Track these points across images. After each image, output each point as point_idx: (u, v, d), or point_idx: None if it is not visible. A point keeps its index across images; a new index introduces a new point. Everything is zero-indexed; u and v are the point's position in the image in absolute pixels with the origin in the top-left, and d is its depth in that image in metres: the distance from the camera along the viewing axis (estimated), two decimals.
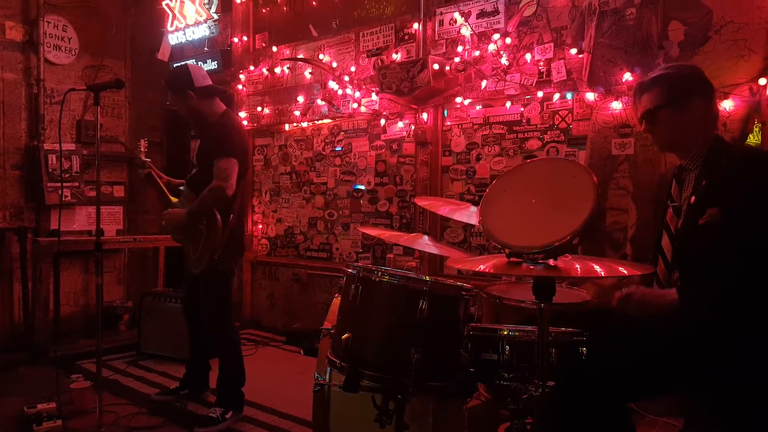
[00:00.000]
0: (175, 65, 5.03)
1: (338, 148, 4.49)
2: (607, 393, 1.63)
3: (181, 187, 3.11)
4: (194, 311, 3.12)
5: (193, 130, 3.18)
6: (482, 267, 1.48)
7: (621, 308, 1.71)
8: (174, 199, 3.08)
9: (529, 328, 1.77)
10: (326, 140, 4.58)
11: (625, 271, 1.46)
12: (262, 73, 4.86)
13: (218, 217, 2.80)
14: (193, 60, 5.06)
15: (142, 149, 3.16)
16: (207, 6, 5.07)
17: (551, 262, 1.40)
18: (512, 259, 1.45)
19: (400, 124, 4.06)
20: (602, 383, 1.64)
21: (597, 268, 1.44)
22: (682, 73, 1.81)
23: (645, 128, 1.84)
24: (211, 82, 3.01)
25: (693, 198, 1.75)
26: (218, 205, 2.81)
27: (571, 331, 1.75)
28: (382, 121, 4.16)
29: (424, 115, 3.86)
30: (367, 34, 4.20)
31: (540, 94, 3.36)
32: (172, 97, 2.99)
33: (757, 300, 1.60)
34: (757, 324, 1.61)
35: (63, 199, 4.65)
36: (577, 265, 1.41)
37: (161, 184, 3.10)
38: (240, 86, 4.98)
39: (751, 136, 2.73)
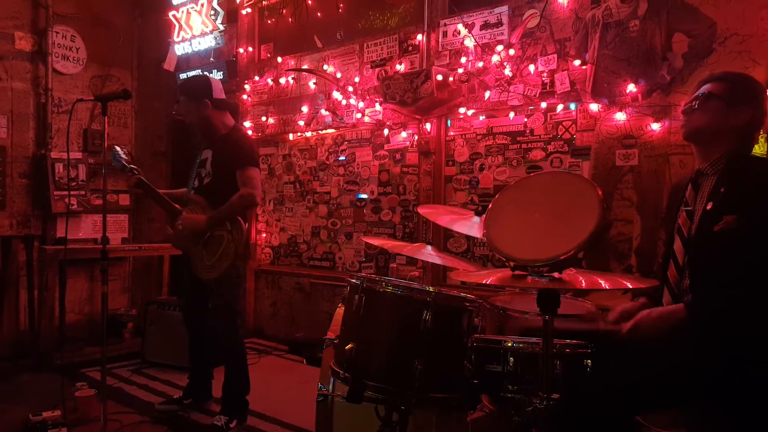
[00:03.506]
0: (193, 74, 5.07)
1: (342, 158, 4.51)
2: (612, 406, 1.63)
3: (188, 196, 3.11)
4: (197, 319, 3.12)
5: (201, 140, 3.16)
6: (488, 280, 1.48)
7: (631, 336, 1.71)
8: (177, 207, 3.06)
9: (534, 339, 1.76)
10: (330, 150, 4.60)
11: (630, 285, 1.46)
12: (267, 83, 4.90)
13: (243, 223, 2.86)
14: (200, 70, 5.10)
15: (122, 154, 2.99)
16: (213, 17, 5.12)
17: (556, 275, 1.40)
18: (517, 272, 1.45)
19: (404, 134, 4.08)
20: (608, 396, 1.64)
21: (601, 281, 1.44)
22: (750, 84, 1.83)
23: (684, 109, 1.84)
24: (225, 97, 3.07)
25: (710, 204, 1.75)
26: (246, 211, 2.91)
27: (576, 342, 1.75)
28: (386, 131, 4.17)
29: (428, 126, 3.87)
30: (371, 45, 4.24)
31: (543, 105, 3.37)
32: (186, 104, 3.00)
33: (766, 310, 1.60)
34: (765, 335, 1.60)
35: (69, 207, 4.68)
36: (582, 279, 1.42)
37: (157, 190, 3.06)
38: (245, 96, 5.01)
39: (756, 147, 2.73)
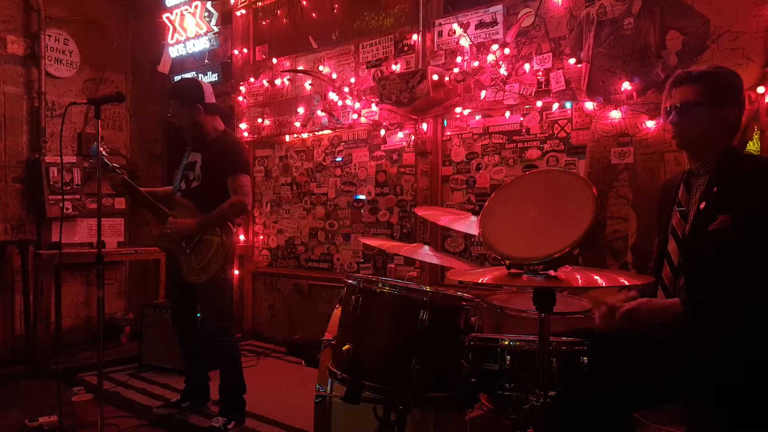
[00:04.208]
0: (183, 77, 5.06)
1: (339, 159, 4.50)
2: (610, 402, 1.63)
3: (177, 197, 3.09)
4: (187, 321, 3.13)
5: (190, 143, 3.15)
6: (483, 279, 1.48)
7: (626, 324, 1.71)
8: (165, 209, 3.03)
9: (530, 337, 1.76)
10: (326, 151, 4.59)
11: (626, 282, 1.46)
12: (263, 84, 4.89)
13: (233, 229, 2.92)
14: (194, 72, 5.09)
15: (103, 153, 2.83)
16: (207, 19, 5.11)
17: (552, 273, 1.40)
18: (513, 270, 1.45)
19: (400, 135, 4.08)
20: (605, 393, 1.64)
21: (598, 278, 1.44)
22: (729, 79, 1.80)
23: (671, 119, 1.81)
24: (215, 101, 3.08)
25: (703, 204, 1.74)
26: (236, 218, 2.98)
27: (573, 340, 1.75)
28: (382, 132, 4.17)
29: (424, 126, 3.87)
30: (366, 45, 4.23)
31: (539, 103, 3.38)
32: (177, 108, 3.00)
33: (765, 309, 1.60)
34: (762, 333, 1.60)
35: (64, 211, 4.66)
36: (578, 276, 1.42)
37: (141, 191, 3.05)
38: (240, 98, 5.01)
39: (750, 143, 2.74)
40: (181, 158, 3.16)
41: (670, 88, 1.84)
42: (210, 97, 3.03)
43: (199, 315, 3.13)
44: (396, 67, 4.00)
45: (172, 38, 5.35)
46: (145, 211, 3.80)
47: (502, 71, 3.47)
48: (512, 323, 2.36)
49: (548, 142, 3.42)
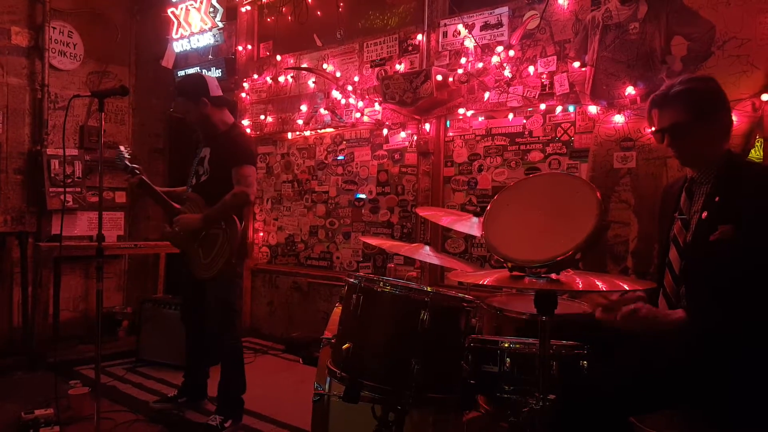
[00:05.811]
0: (187, 72, 5.06)
1: (340, 157, 4.50)
2: (607, 407, 1.63)
3: (185, 194, 3.10)
4: (195, 317, 3.11)
5: (201, 138, 3.14)
6: (485, 281, 1.48)
7: (625, 324, 1.71)
8: (177, 206, 3.06)
9: (530, 340, 1.76)
10: (328, 149, 4.59)
11: (626, 287, 1.46)
12: (266, 81, 4.88)
13: (237, 221, 2.87)
14: (198, 68, 5.08)
15: (126, 155, 3.04)
16: (212, 14, 5.10)
17: (553, 276, 1.40)
18: (515, 272, 1.45)
19: (403, 134, 4.08)
20: (603, 397, 1.64)
21: (598, 283, 1.43)
22: (708, 88, 1.77)
23: (667, 143, 1.79)
24: (221, 93, 3.06)
25: (705, 213, 1.74)
26: (240, 210, 2.91)
27: (573, 344, 1.74)
28: (385, 131, 4.17)
29: (427, 126, 3.87)
30: (371, 44, 4.23)
31: (542, 106, 3.37)
32: (183, 103, 2.99)
33: (764, 318, 1.60)
34: (763, 341, 1.60)
35: (65, 204, 4.65)
36: (579, 280, 1.41)
37: (157, 190, 3.06)
38: (243, 94, 5.00)
39: (753, 151, 2.74)
40: (194, 154, 3.14)
41: (651, 109, 1.81)
42: (215, 90, 3.01)
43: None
44: (400, 67, 4.00)
45: (176, 33, 5.35)
46: (152, 206, 3.80)
47: (506, 73, 3.47)
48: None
49: (551, 145, 3.42)
